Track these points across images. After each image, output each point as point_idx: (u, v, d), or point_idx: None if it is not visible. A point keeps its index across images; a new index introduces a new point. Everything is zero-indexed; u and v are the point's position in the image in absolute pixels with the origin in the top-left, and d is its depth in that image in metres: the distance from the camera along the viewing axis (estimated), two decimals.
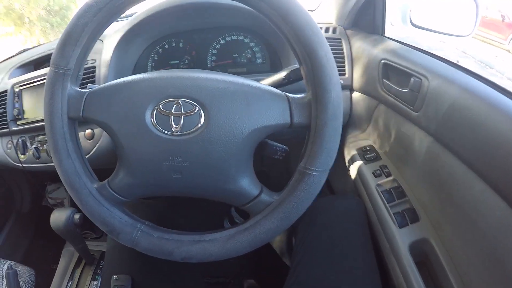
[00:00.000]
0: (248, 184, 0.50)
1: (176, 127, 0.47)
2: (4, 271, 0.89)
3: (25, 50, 1.02)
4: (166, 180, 0.50)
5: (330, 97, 0.45)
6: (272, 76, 0.61)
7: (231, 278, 0.93)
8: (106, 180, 0.53)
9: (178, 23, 0.79)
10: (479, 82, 0.56)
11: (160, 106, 0.48)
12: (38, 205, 1.33)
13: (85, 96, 0.51)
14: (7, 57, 1.04)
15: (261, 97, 0.47)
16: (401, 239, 0.65)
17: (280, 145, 0.58)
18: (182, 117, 0.47)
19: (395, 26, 0.80)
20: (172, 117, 0.47)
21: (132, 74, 0.81)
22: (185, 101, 0.47)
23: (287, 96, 0.48)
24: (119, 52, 0.76)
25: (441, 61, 0.65)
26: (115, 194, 0.53)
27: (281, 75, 0.59)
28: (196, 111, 0.47)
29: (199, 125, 0.47)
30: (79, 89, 0.52)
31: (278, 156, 0.58)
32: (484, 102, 0.51)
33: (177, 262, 0.52)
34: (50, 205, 1.25)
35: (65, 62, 0.49)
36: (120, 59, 0.77)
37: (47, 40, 6.48)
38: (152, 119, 0.48)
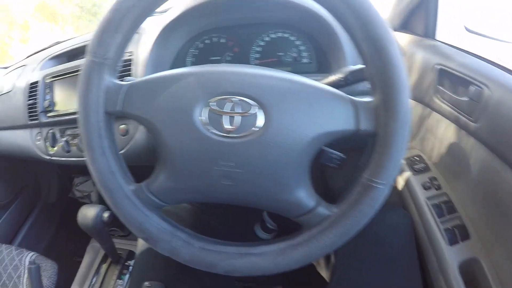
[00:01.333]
0: (305, 195, 0.46)
1: (229, 128, 0.43)
2: (26, 264, 0.89)
3: (57, 43, 1.01)
4: (214, 187, 0.45)
5: (401, 102, 0.41)
6: (326, 77, 0.57)
7: (261, 285, 0.91)
8: (144, 182, 0.49)
9: (220, 17, 0.76)
10: None
11: (212, 103, 0.43)
12: (64, 196, 1.33)
13: (124, 89, 0.47)
14: (40, 49, 1.04)
15: (325, 100, 0.44)
16: (451, 257, 0.62)
17: (336, 152, 0.54)
18: (237, 117, 0.43)
19: (447, 30, 0.76)
20: (224, 116, 0.43)
21: (171, 69, 0.79)
22: (240, 100, 0.43)
23: (353, 100, 0.44)
24: (158, 45, 0.73)
25: (503, 69, 0.61)
26: (153, 198, 0.49)
27: (338, 76, 0.55)
28: (253, 111, 0.42)
29: (257, 127, 0.42)
30: (118, 81, 0.47)
31: (333, 164, 0.54)
32: None
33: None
34: (76, 198, 1.25)
35: (103, 50, 0.45)
36: (159, 53, 0.74)
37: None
38: (201, 117, 0.43)
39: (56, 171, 1.33)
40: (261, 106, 0.43)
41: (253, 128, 0.42)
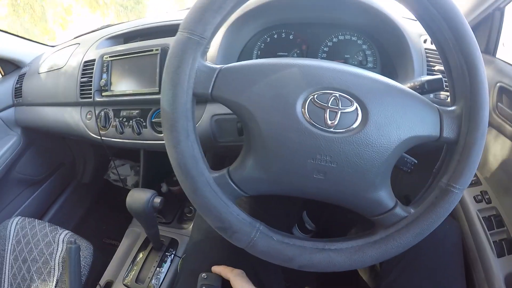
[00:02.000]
0: (386, 195, 0.48)
1: (331, 123, 0.43)
2: (60, 242, 0.88)
3: (108, 26, 1.02)
4: (305, 180, 0.46)
5: (483, 115, 0.44)
6: (404, 83, 0.59)
7: (292, 284, 0.92)
8: (226, 169, 0.49)
9: (292, 14, 0.77)
10: None
11: (315, 96, 0.44)
12: (98, 178, 1.33)
13: (216, 72, 0.46)
14: (89, 31, 1.04)
15: (417, 105, 0.46)
16: (498, 269, 0.64)
17: (410, 157, 0.55)
18: (339, 112, 0.43)
19: (507, 48, 0.78)
20: (328, 110, 0.43)
21: (238, 60, 0.80)
22: (342, 96, 0.44)
23: (438, 108, 0.47)
24: (230, 34, 0.74)
25: None
26: (235, 187, 0.48)
27: (414, 83, 0.57)
28: (354, 108, 0.44)
29: (356, 125, 0.44)
30: (209, 64, 0.46)
31: (407, 168, 0.55)
32: None
33: (258, 263, 0.49)
34: (111, 180, 1.25)
35: (202, 29, 0.43)
36: (230, 42, 0.75)
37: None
38: (303, 109, 0.44)
39: (93, 152, 1.33)
40: (361, 104, 0.44)
41: (352, 125, 0.44)
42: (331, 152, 0.44)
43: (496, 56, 0.78)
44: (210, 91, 0.45)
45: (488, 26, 0.77)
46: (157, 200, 0.75)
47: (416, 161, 0.55)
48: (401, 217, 0.48)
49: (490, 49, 0.78)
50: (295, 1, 0.72)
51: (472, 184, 0.74)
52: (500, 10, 0.75)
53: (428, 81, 0.56)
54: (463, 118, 0.45)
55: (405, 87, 0.47)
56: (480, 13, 0.74)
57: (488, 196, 0.71)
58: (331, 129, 0.43)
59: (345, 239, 0.50)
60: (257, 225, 0.49)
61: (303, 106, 0.44)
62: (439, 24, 0.45)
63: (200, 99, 0.47)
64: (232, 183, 0.48)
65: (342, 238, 0.50)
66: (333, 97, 0.44)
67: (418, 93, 0.56)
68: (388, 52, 0.76)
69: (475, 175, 0.75)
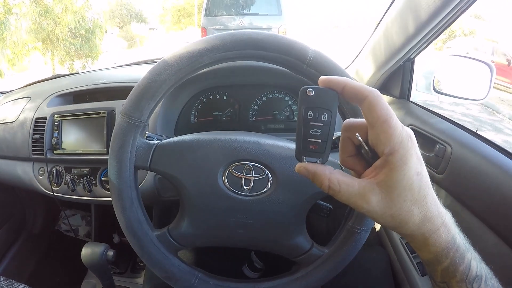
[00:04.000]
0: (303, 240, 0.57)
1: (247, 188, 0.53)
2: None
3: (57, 76, 1.05)
4: (230, 234, 0.56)
5: None
6: None
7: None
8: (166, 228, 0.58)
9: (224, 79, 0.87)
10: (496, 151, 0.65)
11: (232, 167, 0.54)
12: (49, 228, 1.34)
13: (153, 148, 0.54)
14: (39, 79, 1.06)
15: None
16: (423, 285, 0.74)
17: (325, 204, 0.65)
18: (253, 179, 0.53)
19: (419, 91, 0.91)
20: (243, 178, 0.53)
21: (177, 122, 0.88)
22: (254, 165, 0.54)
23: (340, 164, 0.56)
24: (167, 104, 0.82)
25: (463, 129, 0.75)
26: (174, 242, 0.57)
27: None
28: (265, 174, 0.53)
29: (268, 187, 0.53)
30: (147, 141, 0.55)
31: (323, 214, 0.65)
32: (501, 170, 0.61)
33: None
34: (63, 230, 1.24)
35: (139, 114, 0.52)
36: (168, 110, 0.83)
37: (69, 61, 6.89)
38: (223, 179, 0.54)
39: (43, 202, 1.34)
40: (271, 170, 0.54)
41: (264, 188, 0.54)
42: (249, 211, 0.54)
43: (410, 100, 0.92)
44: (148, 164, 0.55)
45: (401, 75, 0.90)
46: (110, 253, 0.80)
47: (331, 207, 0.65)
48: (317, 257, 0.57)
49: (404, 94, 0.91)
50: (222, 70, 0.81)
51: None
52: (410, 61, 0.88)
53: (338, 137, 0.66)
54: None
55: None
56: (393, 64, 0.87)
57: None
58: (247, 193, 0.54)
59: (272, 278, 0.59)
60: (195, 273, 0.58)
61: (223, 175, 0.54)
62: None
63: None
64: (172, 240, 0.57)
65: (269, 278, 0.59)
66: (247, 167, 0.54)
67: (333, 147, 0.66)
68: None
69: None
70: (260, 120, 0.91)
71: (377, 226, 0.87)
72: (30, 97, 1.03)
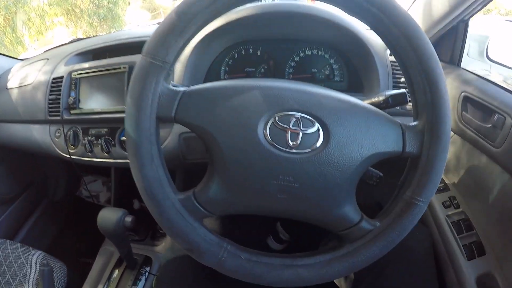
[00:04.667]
0: (351, 210, 0.49)
1: (293, 144, 0.45)
2: (33, 263, 0.87)
3: (78, 39, 1.01)
4: (269, 200, 0.47)
5: (445, 129, 0.46)
6: (367, 99, 0.61)
7: None
8: (192, 191, 0.49)
9: (259, 31, 0.79)
10: None
11: (276, 118, 0.45)
12: (71, 195, 1.32)
13: (179, 95, 0.46)
14: (58, 44, 1.02)
15: (379, 123, 0.47)
16: (468, 271, 0.68)
17: (376, 170, 0.57)
18: (301, 133, 0.45)
19: (471, 58, 0.82)
20: (289, 132, 0.45)
21: (205, 77, 0.80)
22: (303, 117, 0.45)
23: (401, 124, 0.49)
24: (197, 53, 0.75)
25: None
26: (200, 207, 0.49)
27: (379, 98, 0.59)
28: (315, 129, 0.45)
29: (318, 145, 0.45)
30: (172, 87, 0.47)
31: (372, 181, 0.58)
32: None
33: (235, 280, 0.50)
34: (84, 197, 1.23)
35: (164, 53, 0.44)
36: (197, 60, 0.76)
37: (93, 32, 6.83)
38: (265, 132, 0.45)
39: (65, 169, 1.31)
40: (322, 124, 0.45)
41: (314, 146, 0.45)
42: (293, 172, 0.45)
43: (461, 66, 0.83)
44: (173, 114, 0.46)
45: (452, 38, 0.81)
46: (128, 219, 0.75)
47: (381, 174, 0.58)
48: (367, 231, 0.50)
49: (454, 60, 0.82)
50: (260, 19, 0.74)
51: (440, 190, 0.77)
52: (464, 22, 0.79)
53: (392, 96, 0.58)
54: (425, 133, 0.47)
55: (367, 104, 0.49)
56: (445, 25, 0.78)
57: (456, 201, 0.75)
58: (293, 150, 0.45)
59: (313, 253, 0.51)
60: (224, 245, 0.49)
61: (264, 128, 0.45)
62: (399, 41, 0.45)
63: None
64: (198, 205, 0.48)
65: (309, 253, 0.51)
66: (295, 119, 0.45)
67: (383, 107, 0.59)
68: (355, 65, 0.79)
69: (443, 181, 0.79)
70: (297, 78, 0.82)
71: None
72: (48, 59, 0.98)
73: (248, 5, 0.72)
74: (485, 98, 0.70)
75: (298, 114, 0.45)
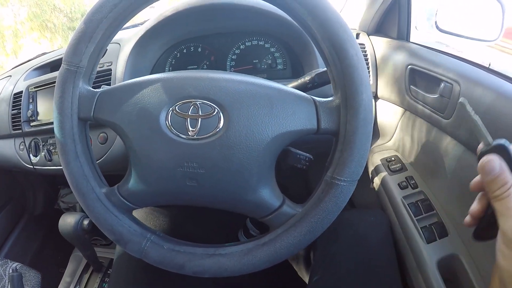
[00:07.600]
0: (269, 195, 0.47)
1: (192, 130, 0.45)
2: (9, 273, 0.89)
3: (43, 54, 1.05)
4: (180, 188, 0.47)
5: (361, 100, 0.42)
6: (295, 80, 0.59)
7: None
8: (116, 186, 0.52)
9: (196, 26, 0.79)
10: None
11: (176, 107, 0.46)
12: (50, 208, 1.36)
13: (97, 96, 0.50)
14: (25, 60, 1.07)
15: (285, 100, 0.45)
16: (429, 255, 0.63)
17: (303, 153, 0.55)
18: (200, 119, 0.45)
19: (420, 31, 0.78)
20: (188, 119, 0.45)
21: None
22: (203, 103, 0.45)
23: (314, 100, 0.46)
24: (135, 55, 0.76)
25: (472, 65, 0.63)
26: (124, 200, 0.51)
27: (305, 79, 0.58)
28: (214, 113, 0.45)
29: (218, 129, 0.44)
30: (92, 89, 0.51)
31: (301, 165, 0.55)
32: None
33: (186, 284, 0.51)
34: (61, 209, 1.26)
35: (77, 59, 0.48)
36: (137, 63, 0.77)
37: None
38: (167, 121, 0.46)
39: (42, 183, 1.36)
40: (221, 108, 0.45)
41: (214, 130, 0.45)
42: (197, 158, 0.45)
43: (410, 41, 0.79)
44: (92, 114, 0.50)
45: (396, 12, 0.78)
46: (86, 222, 0.80)
47: (311, 157, 0.55)
48: (290, 216, 0.47)
49: (402, 34, 0.80)
50: (193, 14, 0.74)
51: (396, 171, 0.73)
52: None
53: (317, 74, 0.57)
54: (341, 108, 0.44)
55: (274, 83, 0.47)
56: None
57: (414, 181, 0.70)
58: (194, 136, 0.45)
59: (237, 243, 0.50)
60: (147, 235, 0.51)
61: (166, 117, 0.46)
62: (300, 12, 0.44)
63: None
64: (121, 197, 0.51)
65: (234, 243, 0.50)
66: (193, 105, 0.45)
67: (309, 87, 0.57)
68: (295, 52, 0.77)
69: (400, 161, 0.74)
70: (239, 71, 0.82)
71: (376, 185, 0.75)
72: (10, 76, 1.03)
73: (178, 4, 0.73)
74: (429, 68, 0.67)
75: (198, 101, 0.46)
